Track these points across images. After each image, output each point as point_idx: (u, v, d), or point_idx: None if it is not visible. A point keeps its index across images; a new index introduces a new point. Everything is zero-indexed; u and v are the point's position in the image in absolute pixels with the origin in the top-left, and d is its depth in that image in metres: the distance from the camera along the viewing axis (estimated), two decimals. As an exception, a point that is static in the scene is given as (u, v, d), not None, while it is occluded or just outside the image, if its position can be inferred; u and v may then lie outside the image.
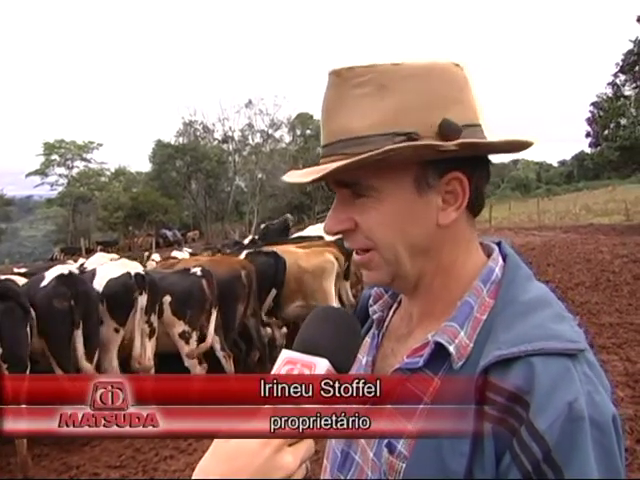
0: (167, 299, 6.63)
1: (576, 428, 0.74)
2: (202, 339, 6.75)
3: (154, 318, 6.39)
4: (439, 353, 0.89)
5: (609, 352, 6.97)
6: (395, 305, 1.12)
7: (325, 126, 0.95)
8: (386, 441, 0.91)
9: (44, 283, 5.96)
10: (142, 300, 6.20)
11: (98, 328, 6.02)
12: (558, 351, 0.79)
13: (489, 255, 1.00)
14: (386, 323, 1.11)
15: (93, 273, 6.64)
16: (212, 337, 6.70)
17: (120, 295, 6.22)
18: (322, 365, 0.82)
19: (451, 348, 0.87)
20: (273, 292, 7.85)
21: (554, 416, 0.74)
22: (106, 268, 6.83)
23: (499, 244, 1.03)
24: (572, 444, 0.74)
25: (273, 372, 0.83)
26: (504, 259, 0.99)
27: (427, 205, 0.92)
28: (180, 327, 6.63)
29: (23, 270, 9.78)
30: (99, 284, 6.31)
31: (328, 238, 8.91)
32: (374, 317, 1.12)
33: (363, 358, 1.08)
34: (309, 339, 0.87)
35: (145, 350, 6.30)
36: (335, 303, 8.16)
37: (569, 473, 0.73)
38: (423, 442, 0.85)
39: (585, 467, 0.73)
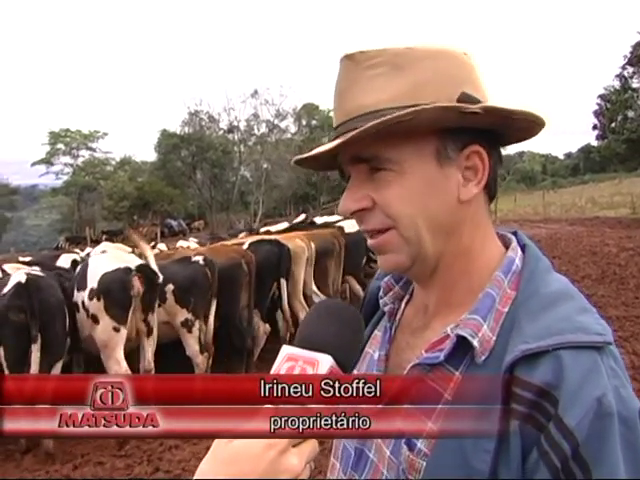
0: (170, 287, 6.55)
1: (605, 424, 0.73)
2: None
3: (151, 317, 6.15)
4: (460, 347, 0.86)
5: (615, 345, 6.95)
6: (407, 297, 1.08)
7: (338, 107, 0.93)
8: (405, 438, 0.88)
9: (4, 291, 5.52)
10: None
11: (61, 339, 5.61)
12: (586, 344, 0.78)
13: (505, 245, 0.98)
14: (398, 315, 1.07)
15: (86, 265, 6.32)
16: (212, 326, 6.73)
17: (116, 290, 5.84)
18: (325, 361, 0.79)
19: (475, 342, 0.84)
20: (284, 283, 7.80)
21: (583, 412, 0.73)
22: (100, 261, 6.34)
23: (515, 234, 1.01)
24: (601, 440, 0.72)
25: (274, 369, 0.81)
26: (522, 249, 0.96)
27: (448, 179, 0.89)
28: (183, 315, 6.60)
29: (28, 259, 9.79)
30: (93, 279, 5.94)
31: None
32: (385, 309, 1.08)
33: (375, 352, 1.05)
34: (311, 334, 0.83)
35: (146, 351, 6.17)
36: (308, 289, 8.26)
37: (597, 471, 0.72)
38: (445, 440, 0.82)
39: (613, 464, 0.72)
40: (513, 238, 0.99)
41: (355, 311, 0.91)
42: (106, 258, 6.38)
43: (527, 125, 0.93)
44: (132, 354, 6.16)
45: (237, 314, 7.32)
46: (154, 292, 6.13)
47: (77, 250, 11.50)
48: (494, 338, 0.85)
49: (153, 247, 10.35)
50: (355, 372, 1.06)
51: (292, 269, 7.98)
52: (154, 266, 6.18)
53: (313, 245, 8.35)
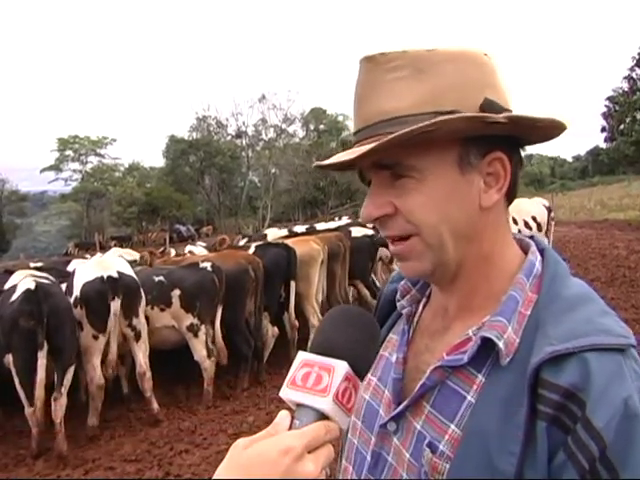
0: (176, 292, 6.62)
1: (631, 425, 0.73)
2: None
3: (137, 321, 6.22)
4: (484, 349, 0.86)
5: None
6: (424, 300, 1.08)
7: (359, 110, 0.92)
8: (427, 441, 0.88)
9: (13, 298, 5.56)
10: (115, 305, 5.96)
11: (70, 342, 5.64)
12: (610, 346, 0.78)
13: (524, 249, 0.98)
14: (416, 318, 1.07)
15: (73, 274, 6.38)
16: (219, 331, 6.77)
17: (94, 300, 5.93)
18: (341, 367, 0.79)
19: (500, 344, 0.84)
20: (293, 285, 7.83)
21: (611, 413, 0.73)
22: (83, 269, 6.39)
23: (532, 238, 1.01)
24: (628, 442, 0.72)
25: (290, 375, 0.81)
26: (541, 253, 0.97)
27: (470, 185, 0.89)
28: (188, 320, 6.64)
29: (39, 264, 9.84)
30: (77, 287, 6.04)
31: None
32: (403, 312, 1.08)
33: (392, 356, 1.05)
34: (326, 340, 0.84)
35: (137, 356, 6.25)
36: (320, 293, 8.27)
37: (623, 471, 0.72)
38: (468, 442, 0.82)
39: (639, 466, 0.72)
40: (531, 242, 0.99)
41: (370, 317, 0.91)
42: (88, 267, 6.42)
43: (550, 130, 0.93)
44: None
45: (243, 320, 7.34)
46: (134, 297, 6.19)
47: (87, 256, 11.55)
48: (518, 340, 0.85)
49: (162, 252, 10.38)
50: (370, 376, 1.07)
51: (307, 272, 8.02)
52: (131, 272, 6.34)
53: (326, 248, 8.38)
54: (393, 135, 0.83)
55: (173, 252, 11.02)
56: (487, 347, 0.85)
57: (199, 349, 6.67)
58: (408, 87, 0.87)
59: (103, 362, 6.00)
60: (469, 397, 0.86)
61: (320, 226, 12.35)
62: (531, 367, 0.79)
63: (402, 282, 1.10)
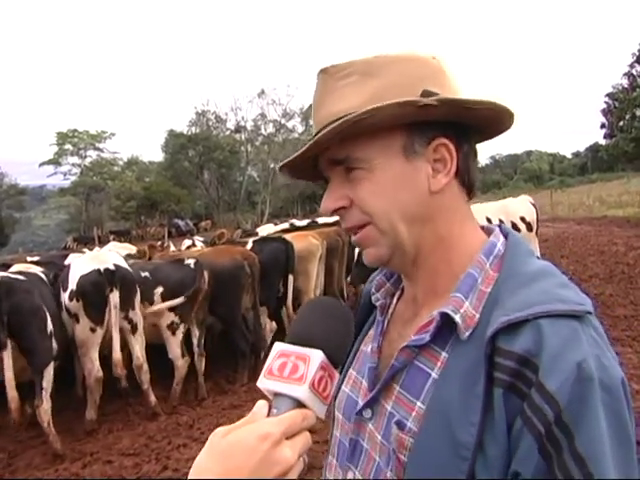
0: (159, 290, 6.55)
1: (586, 389, 0.73)
2: (187, 333, 6.78)
3: (133, 313, 6.16)
4: (445, 327, 0.89)
5: (623, 344, 6.91)
6: (398, 293, 1.12)
7: (315, 116, 0.98)
8: (396, 419, 0.91)
9: None
10: (114, 297, 5.90)
11: (41, 343, 5.41)
12: (565, 312, 0.79)
13: (489, 235, 1.01)
14: (390, 310, 1.11)
15: (69, 267, 6.34)
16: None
17: (91, 293, 5.89)
18: (316, 357, 0.82)
19: (457, 317, 0.86)
20: (291, 279, 7.84)
21: (564, 376, 0.74)
22: (79, 262, 6.33)
23: (499, 227, 1.04)
24: (582, 404, 0.73)
25: (266, 365, 0.84)
26: (505, 237, 1.00)
27: (417, 171, 0.93)
28: (169, 318, 6.59)
29: (36, 259, 9.83)
30: (72, 281, 5.98)
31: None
32: (377, 304, 1.11)
33: (367, 347, 1.08)
34: (302, 330, 0.87)
35: (133, 348, 6.22)
36: (318, 288, 8.31)
37: (579, 434, 0.73)
38: (431, 416, 0.85)
39: (595, 429, 0.73)
40: (496, 228, 1.03)
41: (345, 307, 0.95)
42: (84, 260, 6.37)
43: (493, 114, 0.95)
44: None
45: (240, 315, 7.33)
46: (130, 290, 6.15)
47: (85, 250, 11.53)
48: (477, 316, 0.88)
49: (162, 245, 10.36)
50: (351, 370, 1.12)
51: (305, 267, 8.05)
52: (127, 265, 6.30)
53: (325, 243, 8.41)
54: (329, 127, 0.89)
55: (172, 247, 11.01)
56: (448, 325, 0.88)
57: (174, 347, 6.61)
58: (356, 90, 0.92)
59: (107, 361, 5.95)
60: (433, 374, 0.89)
61: (322, 220, 12.33)
62: (487, 336, 0.81)
63: (377, 277, 1.15)
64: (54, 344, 5.60)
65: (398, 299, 1.11)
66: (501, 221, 8.86)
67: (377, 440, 0.95)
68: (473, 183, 1.00)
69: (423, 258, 0.98)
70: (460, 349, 0.86)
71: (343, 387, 1.11)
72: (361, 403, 1.01)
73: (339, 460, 1.05)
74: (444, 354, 0.89)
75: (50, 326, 5.58)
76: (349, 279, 7.49)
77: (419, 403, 0.88)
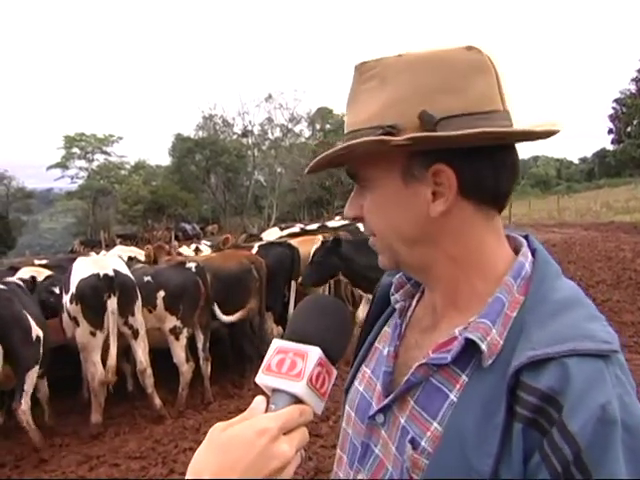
0: (161, 294, 6.55)
1: (608, 431, 0.73)
2: (191, 337, 6.77)
3: (133, 319, 6.19)
4: (468, 349, 0.87)
5: (631, 351, 6.89)
6: (418, 295, 1.10)
7: (346, 117, 1.00)
8: (410, 436, 0.90)
9: None
10: (112, 303, 5.95)
11: (23, 350, 5.52)
12: (592, 352, 0.78)
13: (515, 248, 0.99)
14: (409, 313, 1.09)
15: (71, 269, 6.39)
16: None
17: (89, 297, 5.95)
18: (314, 353, 0.84)
19: (483, 346, 0.85)
20: (293, 285, 7.83)
21: (586, 418, 0.73)
22: (80, 266, 6.38)
23: (526, 237, 1.01)
24: (603, 447, 0.73)
25: (265, 361, 0.85)
26: (533, 254, 0.97)
27: (415, 196, 0.92)
28: (172, 322, 6.58)
29: (44, 262, 9.86)
30: (73, 284, 6.06)
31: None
32: (396, 306, 1.10)
33: (384, 348, 1.07)
34: (300, 327, 0.89)
35: (136, 353, 6.24)
36: (325, 292, 8.20)
37: (598, 475, 0.72)
38: (448, 441, 0.84)
39: (614, 470, 0.72)
40: (524, 242, 0.99)
41: (342, 305, 0.97)
42: (85, 264, 6.41)
43: (493, 137, 0.88)
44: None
45: (247, 320, 7.33)
46: (130, 296, 6.17)
47: (92, 253, 11.55)
48: (501, 342, 0.86)
49: (170, 246, 10.36)
50: (364, 368, 1.11)
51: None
52: (127, 271, 6.33)
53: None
54: (319, 157, 0.94)
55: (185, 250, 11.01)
56: (471, 348, 0.87)
57: (178, 352, 6.61)
58: (371, 99, 0.92)
59: (104, 366, 5.97)
60: (452, 396, 0.88)
61: (332, 224, 12.33)
62: (511, 370, 0.80)
63: (397, 276, 1.13)
64: (40, 349, 5.70)
65: (418, 301, 1.10)
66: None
67: (391, 451, 0.95)
68: (499, 196, 0.94)
69: (436, 275, 0.98)
70: (481, 375, 0.85)
71: (357, 384, 1.11)
72: (375, 407, 1.01)
73: (349, 459, 1.05)
74: (464, 377, 0.88)
75: (36, 332, 5.67)
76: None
77: (435, 424, 0.88)
